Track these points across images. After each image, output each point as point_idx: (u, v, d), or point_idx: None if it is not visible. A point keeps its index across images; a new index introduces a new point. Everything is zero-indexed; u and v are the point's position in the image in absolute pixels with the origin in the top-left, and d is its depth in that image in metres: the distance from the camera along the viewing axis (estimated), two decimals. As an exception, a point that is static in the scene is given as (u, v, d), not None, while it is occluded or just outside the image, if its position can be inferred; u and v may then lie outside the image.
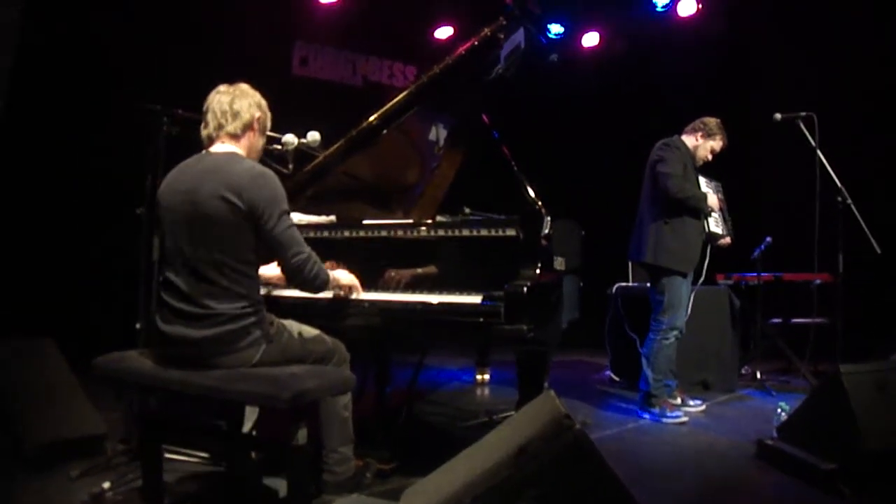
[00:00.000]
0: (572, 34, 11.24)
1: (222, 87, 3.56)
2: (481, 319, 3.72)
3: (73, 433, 4.40)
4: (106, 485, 3.86)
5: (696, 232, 6.07)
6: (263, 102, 3.62)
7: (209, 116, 3.50)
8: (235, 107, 3.47)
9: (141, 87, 6.38)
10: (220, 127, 3.47)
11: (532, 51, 4.88)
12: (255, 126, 3.55)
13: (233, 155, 3.43)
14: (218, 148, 3.47)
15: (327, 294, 3.83)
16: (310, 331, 3.63)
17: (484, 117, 4.67)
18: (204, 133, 3.52)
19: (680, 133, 6.32)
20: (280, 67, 9.75)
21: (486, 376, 7.44)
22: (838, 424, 4.25)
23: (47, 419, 4.34)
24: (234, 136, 3.48)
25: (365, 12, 10.16)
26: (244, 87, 3.58)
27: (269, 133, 3.74)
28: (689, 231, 6.04)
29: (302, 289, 3.59)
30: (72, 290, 7.39)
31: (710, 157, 6.26)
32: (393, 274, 4.26)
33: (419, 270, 4.21)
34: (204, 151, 3.49)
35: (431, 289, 4.05)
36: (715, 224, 6.18)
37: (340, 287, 3.87)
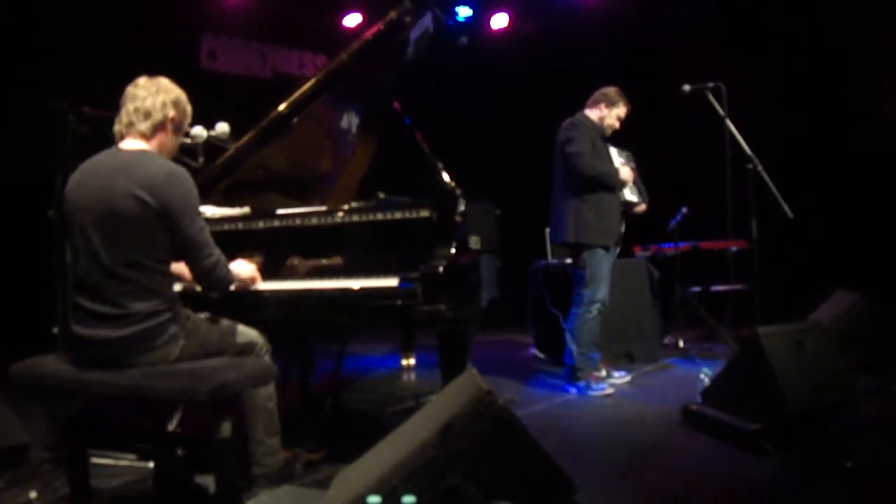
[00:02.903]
0: (481, 16, 11.24)
1: (141, 81, 3.45)
2: (399, 302, 3.74)
3: (-6, 445, 4.32)
4: (33, 494, 3.80)
5: (613, 205, 6.17)
6: (182, 100, 3.51)
7: (122, 112, 3.41)
8: (147, 105, 3.37)
9: (45, 84, 6.26)
10: (131, 124, 3.37)
11: (441, 34, 4.87)
12: (168, 126, 3.44)
13: (145, 152, 3.35)
14: (128, 144, 3.38)
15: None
16: (228, 323, 3.59)
17: (395, 104, 4.66)
18: (116, 128, 3.43)
19: (582, 109, 6.38)
20: (188, 61, 9.59)
21: (412, 361, 7.39)
22: (760, 386, 4.35)
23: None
24: (144, 136, 3.39)
25: (272, 3, 10.07)
26: (163, 82, 3.48)
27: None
28: (606, 205, 6.12)
29: (211, 290, 3.58)
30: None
31: (617, 124, 6.34)
32: (309, 262, 4.24)
33: (336, 257, 4.20)
34: (115, 147, 3.41)
35: (349, 274, 4.03)
36: (630, 193, 6.27)
37: (242, 280, 3.82)
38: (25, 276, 6.28)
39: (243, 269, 3.82)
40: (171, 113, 3.44)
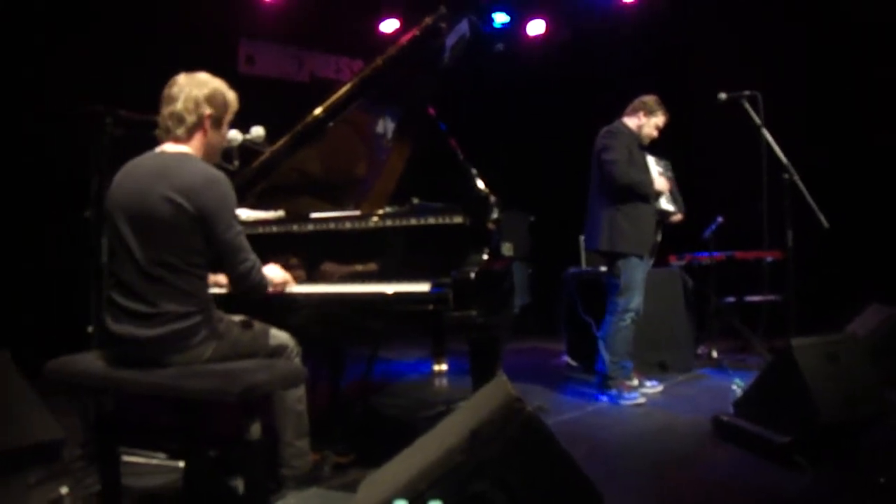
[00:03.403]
0: (517, 23, 11.23)
1: (178, 79, 3.44)
2: (431, 307, 3.74)
3: (29, 440, 4.34)
4: (64, 490, 3.84)
5: (648, 214, 6.14)
6: (219, 92, 3.48)
7: (161, 116, 3.43)
8: (179, 108, 3.36)
9: (84, 86, 6.32)
10: (168, 130, 3.40)
11: (477, 41, 4.88)
12: (206, 124, 3.44)
13: (185, 156, 3.37)
14: (170, 147, 3.41)
15: None
16: (260, 326, 3.61)
17: (430, 109, 4.68)
18: (157, 132, 3.46)
19: (620, 117, 6.36)
20: (226, 65, 9.60)
21: (444, 367, 7.40)
22: (792, 398, 4.30)
23: (2, 428, 4.29)
24: (181, 140, 3.41)
25: (310, 7, 10.11)
26: (199, 77, 3.47)
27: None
28: (641, 215, 6.10)
29: (246, 295, 3.56)
30: (20, 296, 7.29)
31: (655, 133, 6.32)
32: (342, 266, 4.25)
33: (369, 261, 4.21)
34: (157, 150, 3.43)
35: (382, 279, 4.06)
36: (666, 202, 6.24)
37: (274, 285, 3.83)
38: (62, 276, 6.34)
39: (275, 273, 3.84)
40: (207, 111, 3.42)
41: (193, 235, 3.25)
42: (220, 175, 3.33)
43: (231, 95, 3.57)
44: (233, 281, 3.47)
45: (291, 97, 9.80)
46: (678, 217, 6.40)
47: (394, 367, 7.88)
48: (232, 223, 3.33)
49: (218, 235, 3.28)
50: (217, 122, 3.50)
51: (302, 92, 10.26)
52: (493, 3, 10.90)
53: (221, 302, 3.58)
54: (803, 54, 8.85)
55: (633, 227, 6.06)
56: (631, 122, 6.30)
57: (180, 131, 3.39)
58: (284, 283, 3.94)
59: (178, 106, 3.38)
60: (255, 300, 3.78)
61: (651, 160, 6.30)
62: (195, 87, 3.43)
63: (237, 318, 3.56)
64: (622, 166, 5.96)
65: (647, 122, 6.27)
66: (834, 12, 8.67)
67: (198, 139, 3.45)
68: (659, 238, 6.37)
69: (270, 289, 3.74)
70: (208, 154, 3.51)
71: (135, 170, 3.37)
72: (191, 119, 3.39)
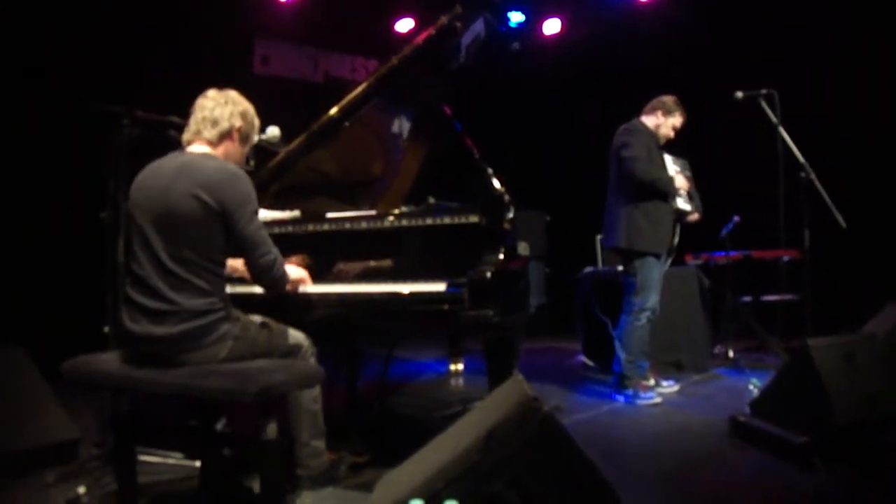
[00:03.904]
0: (533, 22, 11.22)
1: (210, 93, 3.56)
2: (446, 307, 3.74)
3: (46, 440, 4.38)
4: (81, 489, 3.85)
5: (666, 213, 6.12)
6: (250, 112, 3.62)
7: (191, 121, 3.51)
8: (216, 114, 3.48)
9: (101, 87, 6.33)
10: (198, 133, 3.48)
11: (493, 40, 4.87)
12: (235, 136, 3.54)
13: (206, 154, 3.44)
14: (194, 148, 3.48)
15: None
16: (276, 326, 3.62)
17: (446, 109, 4.68)
18: (185, 137, 3.53)
19: (639, 115, 6.35)
20: (241, 66, 9.64)
21: (460, 366, 7.38)
22: (808, 398, 4.29)
23: (20, 427, 4.32)
24: (210, 142, 3.48)
25: (324, 7, 10.12)
26: (232, 94, 3.58)
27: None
28: (659, 212, 6.09)
29: (268, 289, 3.60)
30: (38, 296, 7.32)
31: (672, 134, 6.30)
32: (358, 265, 4.26)
33: (384, 261, 4.21)
34: (180, 150, 3.49)
35: (397, 279, 4.06)
36: (683, 202, 6.22)
37: (292, 282, 3.84)
38: (79, 276, 6.38)
39: (292, 271, 3.85)
40: (238, 123, 3.53)
41: (215, 231, 3.29)
42: (241, 171, 3.40)
43: (257, 120, 3.69)
44: (254, 275, 3.50)
45: (306, 97, 9.83)
46: (695, 216, 6.37)
47: (410, 367, 7.89)
48: (253, 217, 3.37)
49: (240, 230, 3.31)
50: (244, 137, 3.62)
51: (317, 92, 10.29)
52: (508, 3, 10.88)
53: (238, 301, 3.58)
54: (822, 53, 8.79)
55: (652, 226, 6.05)
56: (649, 121, 6.28)
57: (211, 134, 3.48)
58: (301, 281, 3.95)
59: (216, 112, 3.49)
60: (271, 299, 3.79)
61: (668, 159, 6.28)
62: (230, 101, 3.55)
63: (254, 317, 3.57)
64: (642, 163, 5.95)
65: (664, 122, 6.25)
66: (855, 9, 8.63)
67: (224, 146, 3.53)
68: (677, 239, 6.34)
69: (288, 286, 3.76)
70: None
71: (158, 169, 3.42)
72: (224, 125, 3.49)
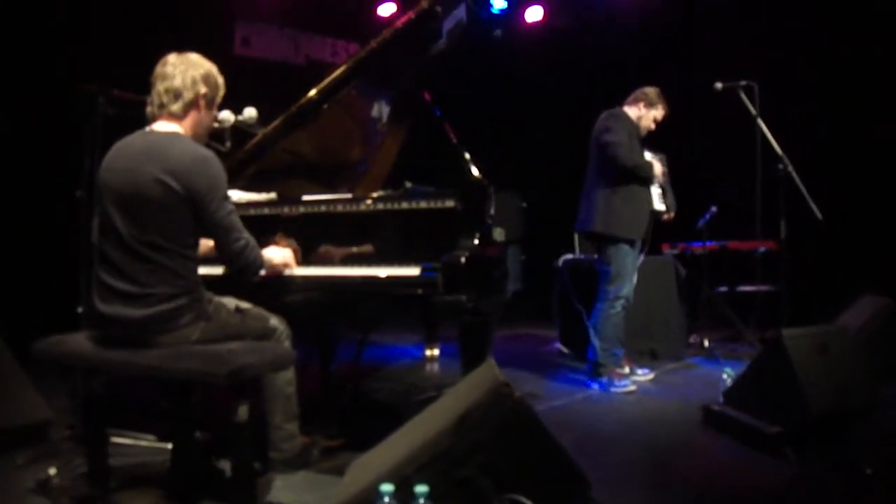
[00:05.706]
0: (516, 9, 11.20)
1: (170, 58, 3.44)
2: (420, 291, 3.74)
3: (17, 420, 4.34)
4: (52, 471, 3.81)
5: (643, 200, 6.14)
6: (213, 74, 3.50)
7: (153, 93, 3.41)
8: (177, 84, 3.36)
9: (76, 67, 6.29)
10: (162, 106, 3.38)
11: (475, 26, 4.87)
12: (200, 103, 3.44)
13: (175, 136, 3.35)
14: (160, 126, 3.39)
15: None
16: (249, 308, 3.60)
17: (426, 94, 4.67)
18: (148, 110, 3.44)
19: (621, 105, 6.35)
20: (222, 47, 9.59)
21: (436, 351, 7.39)
22: (782, 388, 4.31)
23: (-9, 408, 4.29)
24: (176, 116, 3.40)
25: (307, -10, 10.09)
26: (192, 58, 3.47)
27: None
28: (637, 199, 6.11)
29: (239, 275, 3.52)
30: (10, 276, 7.27)
31: (653, 126, 6.30)
32: (334, 249, 4.24)
33: (360, 244, 4.20)
34: (147, 129, 3.42)
35: (373, 262, 4.05)
36: (658, 200, 6.23)
37: (274, 266, 3.83)
38: (52, 256, 6.33)
39: (276, 254, 3.84)
40: (203, 90, 3.43)
41: (183, 217, 3.24)
42: (210, 154, 3.32)
43: (221, 79, 3.57)
44: (225, 260, 3.46)
45: (287, 80, 9.79)
46: (669, 216, 6.38)
47: (386, 351, 7.88)
48: (223, 203, 3.31)
49: (209, 215, 3.26)
50: (210, 102, 3.51)
51: (298, 75, 10.25)
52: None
53: (213, 284, 3.56)
54: (802, 45, 8.83)
55: (628, 211, 6.06)
56: (631, 111, 6.28)
57: (176, 107, 3.38)
58: (285, 265, 3.94)
59: (176, 82, 3.37)
60: (246, 282, 3.77)
61: (648, 154, 6.28)
62: (190, 66, 3.43)
63: (228, 300, 3.55)
64: (625, 148, 5.96)
65: (646, 113, 6.25)
66: (834, 2, 8.65)
67: (191, 117, 3.44)
68: (650, 234, 6.34)
69: (270, 271, 3.74)
70: (198, 134, 3.50)
71: (125, 149, 3.35)
72: (188, 95, 3.39)
